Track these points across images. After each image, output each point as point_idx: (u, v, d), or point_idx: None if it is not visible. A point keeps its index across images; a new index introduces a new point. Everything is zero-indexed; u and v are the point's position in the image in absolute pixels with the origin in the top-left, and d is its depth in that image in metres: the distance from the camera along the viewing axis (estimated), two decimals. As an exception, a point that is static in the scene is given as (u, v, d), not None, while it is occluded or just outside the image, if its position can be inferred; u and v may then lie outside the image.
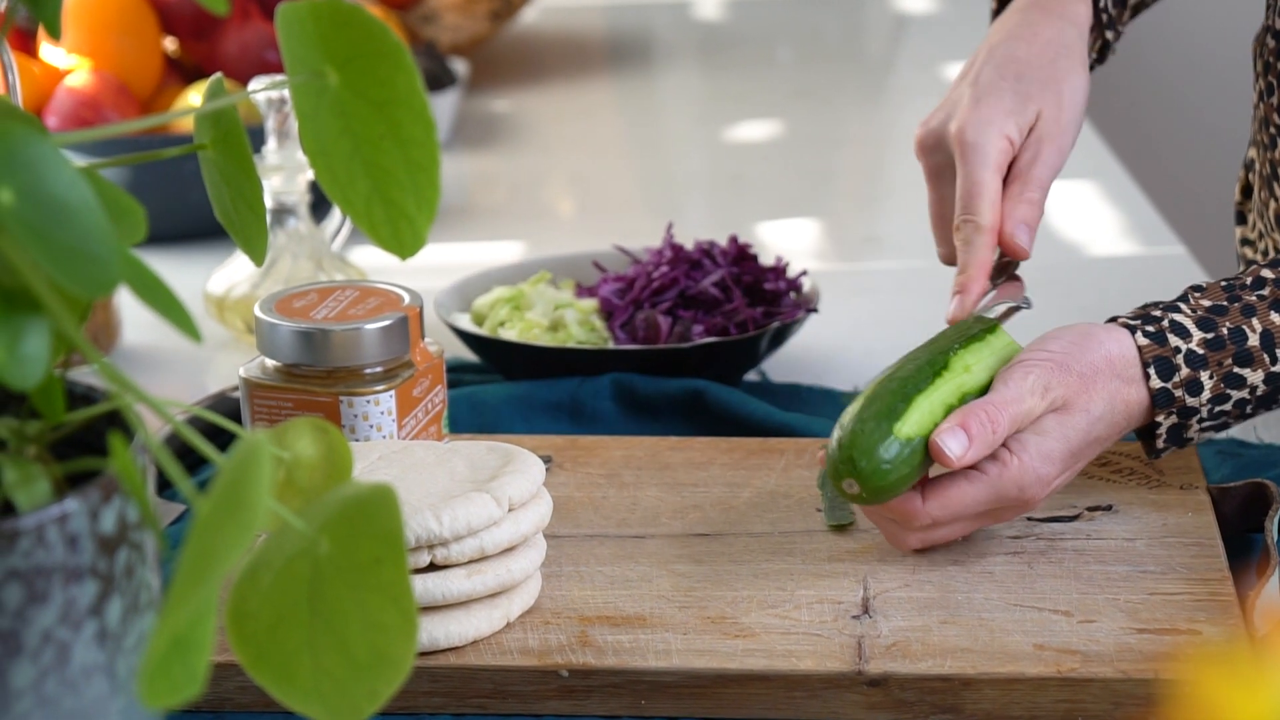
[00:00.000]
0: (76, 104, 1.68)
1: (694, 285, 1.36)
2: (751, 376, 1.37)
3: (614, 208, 1.89)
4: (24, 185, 0.65)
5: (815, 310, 1.37)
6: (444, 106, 1.94)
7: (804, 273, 1.40)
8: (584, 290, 1.41)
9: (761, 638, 0.98)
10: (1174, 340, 1.07)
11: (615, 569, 1.06)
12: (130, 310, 1.47)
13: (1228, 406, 1.07)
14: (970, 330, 1.10)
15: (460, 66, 2.03)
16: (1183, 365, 1.06)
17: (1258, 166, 1.34)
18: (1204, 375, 1.07)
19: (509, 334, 1.36)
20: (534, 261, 1.46)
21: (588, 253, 1.47)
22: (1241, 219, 1.43)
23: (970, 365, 1.07)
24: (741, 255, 1.39)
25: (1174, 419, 1.07)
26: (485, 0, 2.22)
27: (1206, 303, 1.08)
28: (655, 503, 1.13)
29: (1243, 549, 1.10)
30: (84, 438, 0.75)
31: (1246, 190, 1.42)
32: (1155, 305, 1.09)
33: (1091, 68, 1.25)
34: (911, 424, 1.03)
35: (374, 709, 0.71)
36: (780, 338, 1.35)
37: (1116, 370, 1.06)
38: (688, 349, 1.31)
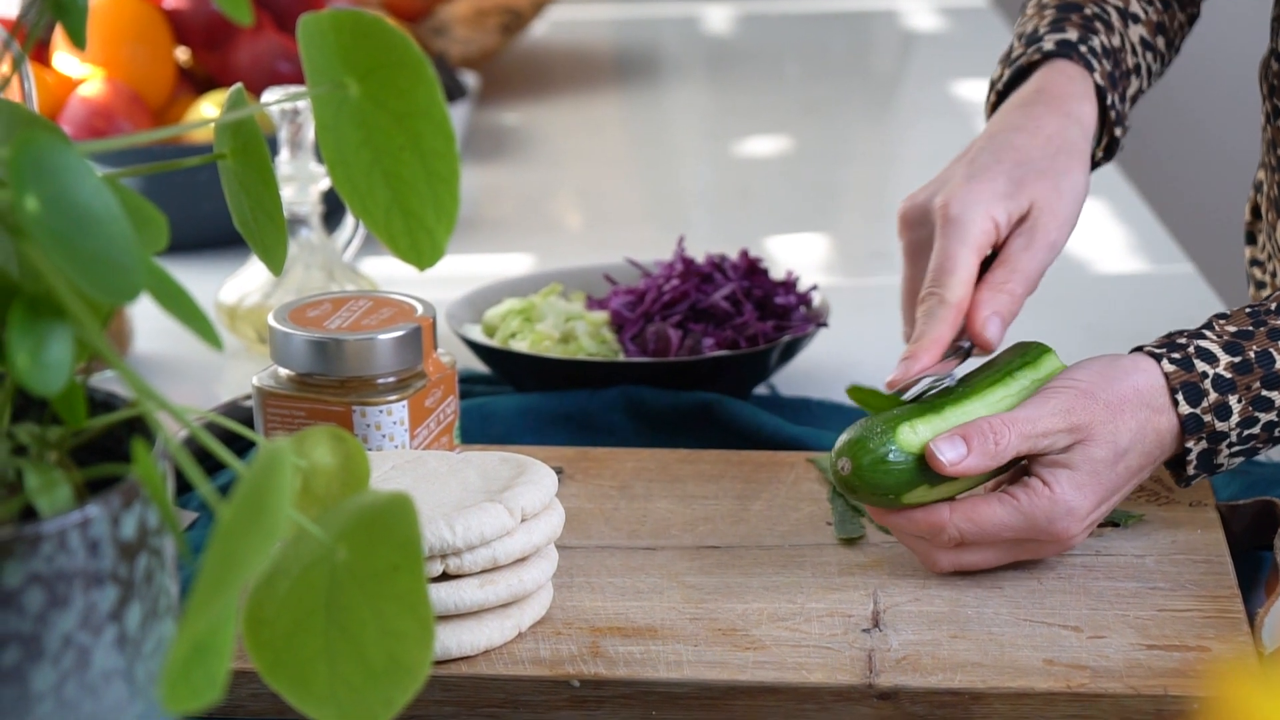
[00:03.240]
0: (90, 113, 1.69)
1: (705, 299, 1.37)
2: (761, 390, 1.38)
3: (623, 221, 1.90)
4: (49, 193, 0.65)
5: (825, 324, 1.37)
6: (454, 119, 1.94)
7: (814, 287, 1.40)
8: (595, 303, 1.41)
9: (772, 650, 0.99)
10: (1201, 365, 1.06)
11: (626, 580, 1.06)
12: (142, 319, 1.47)
13: (1256, 430, 1.06)
14: (1018, 358, 1.09)
15: (470, 79, 2.04)
16: (1210, 390, 1.05)
17: (1265, 189, 1.34)
18: (1232, 399, 1.05)
19: (520, 345, 1.36)
20: (545, 274, 1.47)
21: (598, 265, 1.47)
22: (1251, 239, 1.43)
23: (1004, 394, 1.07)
24: (752, 269, 1.40)
25: (1204, 444, 1.06)
26: (495, 14, 2.23)
27: (1232, 328, 1.07)
28: (666, 515, 1.14)
29: (1252, 566, 1.10)
30: (104, 443, 0.75)
31: (1256, 211, 1.42)
32: (1180, 333, 1.08)
33: (1099, 164, 1.22)
34: (921, 428, 1.03)
35: (389, 716, 0.72)
36: (790, 352, 1.35)
37: (1144, 400, 1.05)
38: (698, 362, 1.31)
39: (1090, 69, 1.19)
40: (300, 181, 1.46)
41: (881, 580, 1.06)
